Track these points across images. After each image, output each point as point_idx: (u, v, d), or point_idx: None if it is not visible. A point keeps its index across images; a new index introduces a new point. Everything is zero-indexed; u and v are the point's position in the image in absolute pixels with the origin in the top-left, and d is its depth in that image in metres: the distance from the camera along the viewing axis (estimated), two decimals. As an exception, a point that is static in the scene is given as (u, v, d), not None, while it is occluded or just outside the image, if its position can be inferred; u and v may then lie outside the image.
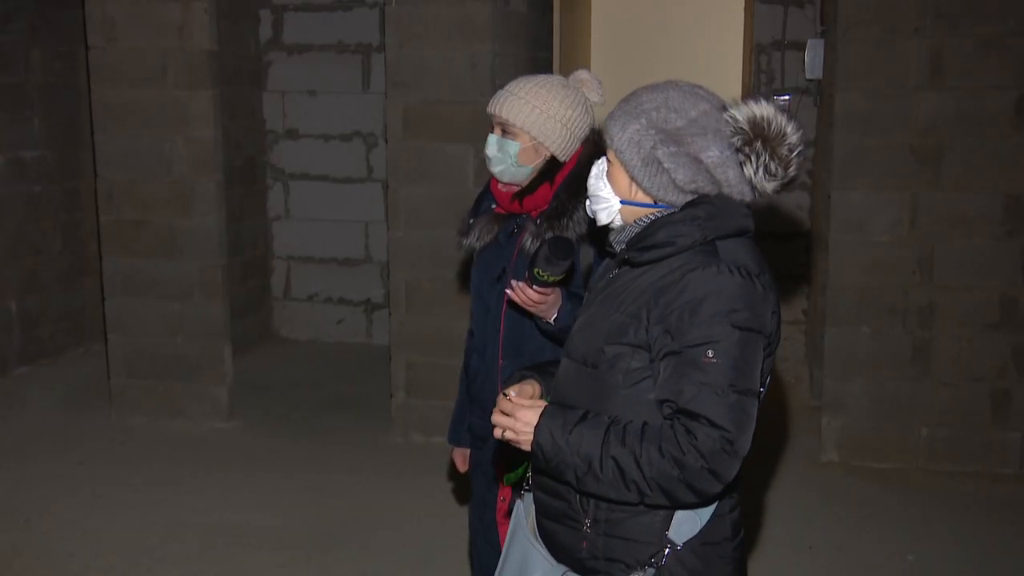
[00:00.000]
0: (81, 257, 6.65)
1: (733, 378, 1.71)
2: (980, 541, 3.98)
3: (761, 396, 1.87)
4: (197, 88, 4.96)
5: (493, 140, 2.48)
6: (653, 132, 1.81)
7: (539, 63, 5.33)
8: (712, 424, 1.69)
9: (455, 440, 2.83)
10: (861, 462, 4.63)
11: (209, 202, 5.04)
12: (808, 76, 5.68)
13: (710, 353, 1.71)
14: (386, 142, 5.00)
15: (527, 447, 1.83)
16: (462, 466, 2.83)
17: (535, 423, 1.80)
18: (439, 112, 4.74)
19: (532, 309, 2.35)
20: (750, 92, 6.00)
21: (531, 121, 2.44)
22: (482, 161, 4.72)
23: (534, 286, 2.27)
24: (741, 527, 1.93)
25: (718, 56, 7.16)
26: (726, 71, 6.85)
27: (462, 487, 4.40)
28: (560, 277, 2.23)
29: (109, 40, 5.00)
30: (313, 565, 3.80)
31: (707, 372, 1.71)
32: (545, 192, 2.47)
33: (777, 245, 6.11)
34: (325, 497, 4.38)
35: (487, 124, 4.64)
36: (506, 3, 4.82)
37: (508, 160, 2.47)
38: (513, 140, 2.46)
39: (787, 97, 5.97)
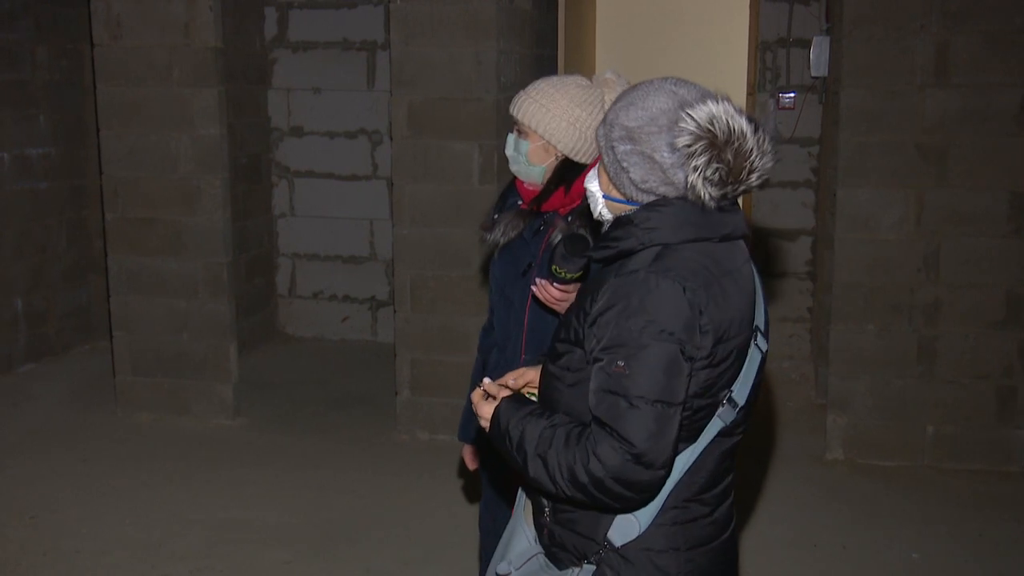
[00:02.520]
0: (87, 254, 6.66)
1: (644, 389, 1.67)
2: (985, 539, 3.97)
3: (729, 407, 1.81)
4: (202, 86, 4.96)
5: (511, 140, 2.53)
6: (618, 127, 1.80)
7: (544, 60, 5.33)
8: (617, 436, 1.68)
9: (465, 437, 2.82)
10: (866, 460, 4.63)
11: (214, 200, 5.05)
12: (813, 73, 5.68)
13: (620, 363, 1.69)
14: (391, 140, 5.00)
15: (485, 427, 1.92)
16: (471, 463, 2.83)
17: (490, 415, 1.87)
18: (444, 110, 4.74)
19: (555, 307, 2.37)
20: (755, 89, 6.00)
21: (537, 120, 2.45)
22: (487, 158, 4.75)
23: (555, 284, 2.29)
24: (707, 539, 1.88)
25: (723, 53, 7.16)
26: (731, 68, 6.85)
27: (468, 484, 4.41)
28: (578, 274, 2.25)
29: (114, 37, 5.01)
30: (318, 562, 3.81)
31: (619, 382, 1.69)
32: (559, 196, 2.48)
33: (782, 243, 6.10)
34: (330, 494, 4.39)
35: (492, 122, 4.70)
36: (511, 0, 4.82)
37: (521, 160, 2.51)
38: (525, 140, 2.49)
39: (792, 95, 5.96)
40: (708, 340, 1.73)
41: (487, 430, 1.89)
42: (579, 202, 2.47)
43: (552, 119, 2.45)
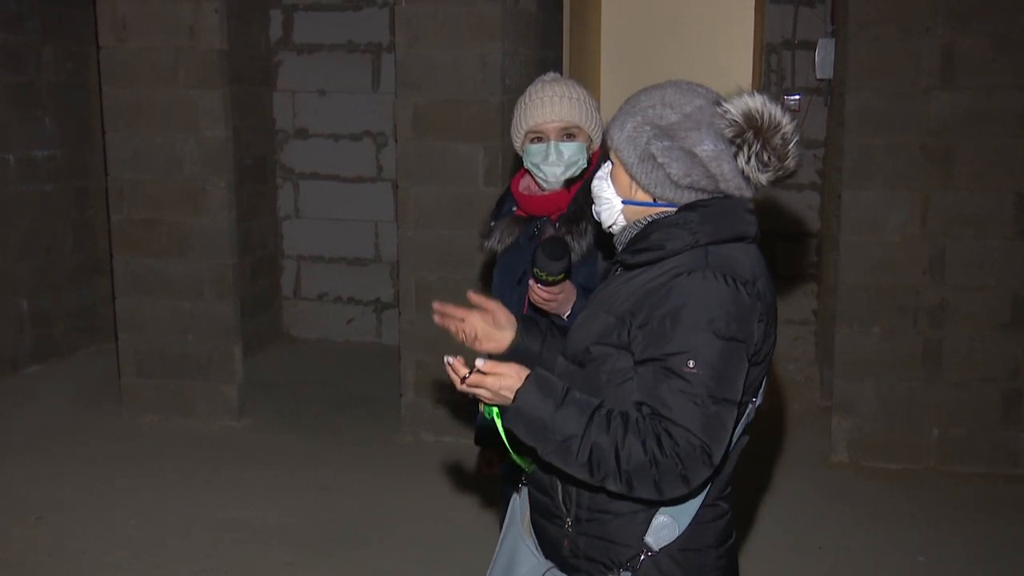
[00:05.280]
0: (92, 256, 6.67)
1: (713, 388, 1.70)
2: (991, 542, 3.96)
3: (754, 406, 1.87)
4: (208, 87, 4.97)
5: (573, 146, 2.49)
6: (648, 128, 1.82)
7: (548, 63, 5.33)
8: (688, 431, 1.69)
9: (483, 442, 2.82)
10: (871, 463, 4.62)
11: (220, 201, 5.06)
12: (818, 76, 5.67)
13: (691, 363, 1.70)
14: (396, 141, 5.00)
15: (495, 402, 1.79)
16: (489, 468, 2.83)
17: (517, 387, 1.76)
18: (449, 112, 4.75)
19: (545, 307, 2.39)
20: (760, 91, 5.99)
21: (588, 118, 2.50)
22: (492, 160, 4.74)
23: (539, 285, 2.32)
24: (729, 536, 1.93)
25: (728, 55, 7.14)
26: (736, 70, 6.83)
27: (472, 486, 4.41)
28: (559, 276, 2.30)
29: (120, 39, 5.02)
30: (322, 563, 3.81)
31: (688, 381, 1.70)
32: (565, 195, 2.51)
33: (787, 245, 6.10)
34: (334, 495, 4.39)
35: (497, 123, 4.69)
36: (516, 2, 4.82)
37: (582, 161, 2.51)
38: (579, 141, 2.50)
39: (797, 97, 5.95)
40: (761, 335, 1.78)
41: (507, 401, 1.76)
42: (566, 207, 2.49)
43: (595, 113, 2.52)
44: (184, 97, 5.00)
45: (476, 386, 1.79)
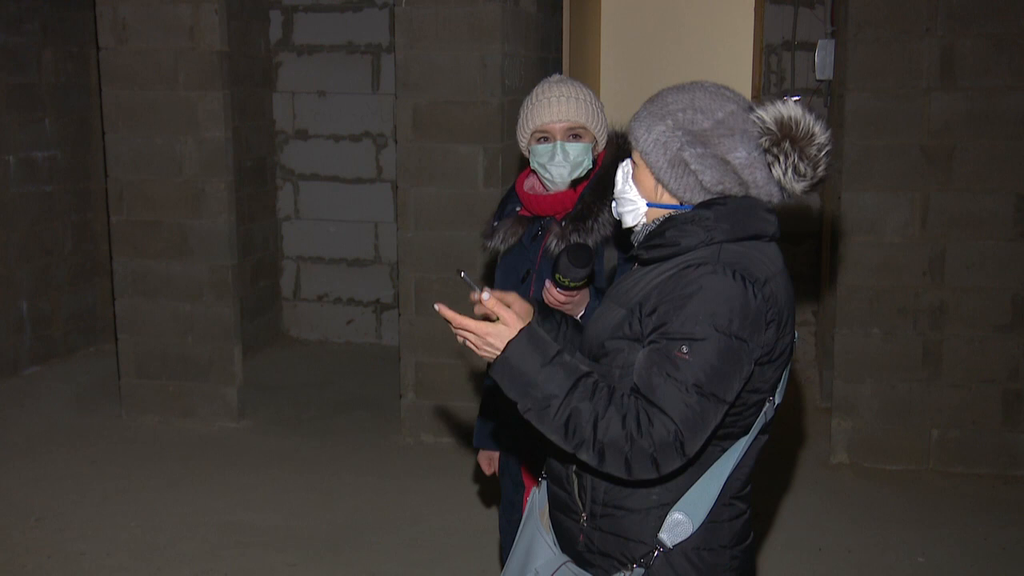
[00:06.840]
0: (92, 257, 6.68)
1: (701, 380, 1.69)
2: (990, 543, 3.96)
3: (772, 404, 1.87)
4: (208, 89, 4.97)
5: (579, 146, 2.48)
6: (680, 133, 1.81)
7: (548, 64, 5.33)
8: (667, 416, 1.69)
9: (481, 444, 2.83)
10: (871, 464, 4.62)
11: (219, 202, 5.06)
12: (818, 77, 5.67)
13: (684, 348, 1.70)
14: (396, 142, 5.00)
15: (483, 356, 1.80)
16: (488, 469, 2.85)
17: (509, 338, 1.76)
18: (449, 113, 4.75)
19: (559, 309, 2.39)
20: (760, 93, 5.99)
21: (594, 118, 2.50)
22: (492, 161, 4.74)
23: (558, 289, 2.34)
24: (745, 536, 1.92)
25: (728, 56, 7.14)
26: (736, 72, 6.83)
27: (473, 487, 4.41)
28: (581, 283, 2.32)
29: (120, 41, 5.02)
30: (322, 565, 3.81)
31: (677, 367, 1.70)
32: (571, 195, 2.51)
33: (787, 246, 6.09)
34: (335, 497, 4.39)
35: (497, 125, 4.69)
36: (516, 4, 4.83)
37: (588, 161, 2.51)
38: (584, 141, 2.50)
39: (797, 98, 5.95)
40: (772, 335, 1.78)
41: (493, 354, 1.77)
42: (572, 207, 2.48)
43: (599, 113, 2.51)
44: (184, 98, 5.01)
45: (463, 329, 1.80)
